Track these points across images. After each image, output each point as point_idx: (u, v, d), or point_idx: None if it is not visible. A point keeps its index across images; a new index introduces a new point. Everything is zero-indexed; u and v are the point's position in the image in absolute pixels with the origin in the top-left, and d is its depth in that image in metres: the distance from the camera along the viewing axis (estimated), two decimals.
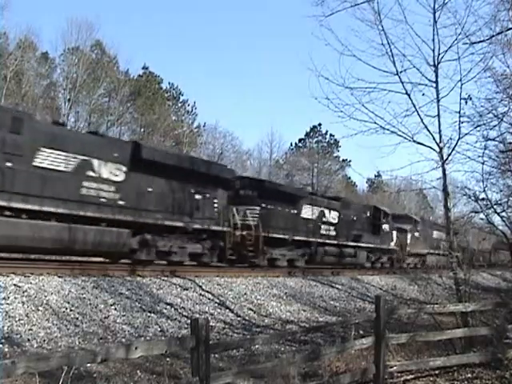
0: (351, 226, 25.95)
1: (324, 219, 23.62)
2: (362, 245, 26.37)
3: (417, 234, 34.27)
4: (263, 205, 19.68)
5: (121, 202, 14.08)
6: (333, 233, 24.15)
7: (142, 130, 49.76)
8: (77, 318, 10.11)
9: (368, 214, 28.17)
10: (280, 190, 22.26)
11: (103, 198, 13.62)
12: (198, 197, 16.82)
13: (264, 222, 19.28)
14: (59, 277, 11.76)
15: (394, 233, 30.37)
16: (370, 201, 51.28)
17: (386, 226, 29.25)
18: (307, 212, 22.35)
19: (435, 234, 37.06)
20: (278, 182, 38.95)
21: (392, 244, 29.74)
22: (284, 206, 20.85)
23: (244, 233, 18.70)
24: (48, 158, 12.41)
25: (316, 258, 22.47)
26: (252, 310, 13.83)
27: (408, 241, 32.17)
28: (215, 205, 17.57)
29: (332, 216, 24.25)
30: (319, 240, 22.72)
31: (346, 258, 24.78)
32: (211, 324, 10.40)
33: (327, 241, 23.39)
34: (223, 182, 17.98)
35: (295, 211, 21.53)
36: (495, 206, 12.29)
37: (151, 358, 7.91)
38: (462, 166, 11.96)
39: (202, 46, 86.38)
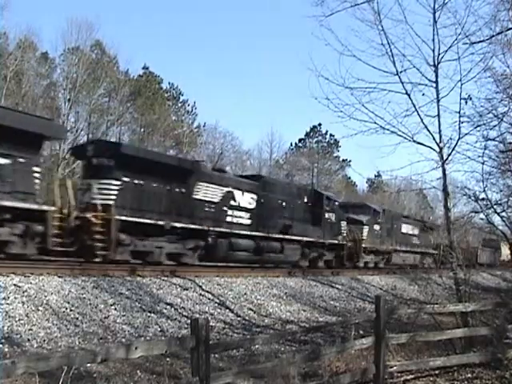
0: (277, 213, 20.45)
1: (232, 203, 18.37)
2: (294, 238, 20.77)
3: (377, 226, 28.69)
4: (125, 178, 14.83)
5: None
6: (247, 221, 18.92)
7: (142, 130, 49.76)
8: (77, 318, 10.11)
9: (305, 200, 22.49)
10: (156, 160, 16.30)
11: None
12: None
13: (124, 202, 14.66)
14: (59, 277, 11.76)
15: (344, 224, 25.01)
16: (370, 201, 51.27)
17: (330, 216, 23.72)
18: (204, 192, 17.19)
19: (405, 227, 32.91)
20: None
21: (340, 238, 24.51)
22: (164, 182, 15.86)
23: (89, 215, 14.01)
24: None
25: (216, 252, 17.39)
26: (252, 310, 13.83)
27: (364, 235, 26.93)
28: (35, 174, 13.16)
29: (246, 199, 18.98)
30: (223, 229, 17.51)
31: (266, 253, 19.44)
32: (211, 324, 10.40)
33: (237, 231, 18.11)
34: (36, 141, 13.26)
35: (183, 190, 16.48)
36: (495, 206, 12.29)
37: (151, 358, 7.91)
38: (462, 166, 11.96)
39: (201, 46, 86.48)
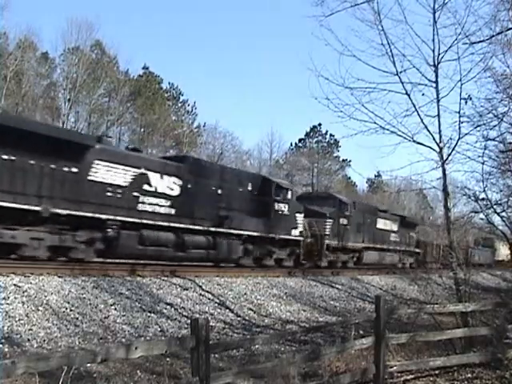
0: (210, 202, 17.04)
1: (147, 188, 15.20)
2: (232, 231, 17.53)
3: (344, 220, 24.83)
4: None
5: None
6: (167, 210, 15.70)
7: (142, 129, 49.83)
8: (77, 318, 10.11)
9: (249, 188, 19.04)
10: (36, 131, 12.71)
11: None
12: None
13: None
14: (59, 277, 11.77)
15: (300, 217, 21.42)
16: (371, 201, 51.24)
17: (282, 207, 20.27)
18: (104, 173, 14.15)
19: (381, 223, 29.02)
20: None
21: (296, 232, 20.97)
22: (47, 159, 12.78)
23: None
24: None
25: (119, 246, 14.38)
26: (252, 310, 13.83)
27: (327, 230, 23.32)
28: None
29: (167, 184, 15.77)
30: (128, 219, 14.43)
31: (193, 249, 16.22)
32: (211, 324, 10.40)
33: (152, 222, 15.10)
34: None
35: (75, 169, 13.43)
36: (495, 206, 12.30)
37: (151, 358, 7.91)
38: (462, 166, 11.99)
39: (201, 46, 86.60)
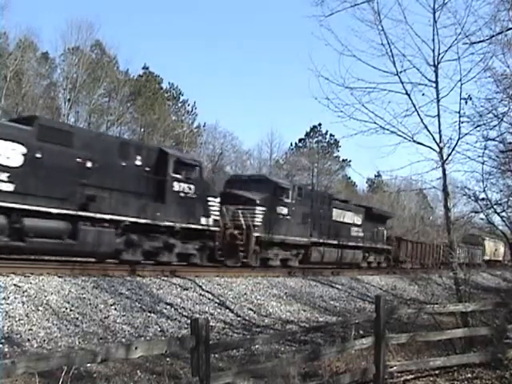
0: (72, 177, 13.28)
1: None
2: (104, 216, 13.72)
3: (283, 209, 20.25)
4: None
5: None
6: (3, 186, 11.85)
7: (142, 129, 49.80)
8: (77, 318, 10.11)
9: (137, 162, 15.07)
10: None
11: None
12: None
13: None
14: (59, 277, 11.77)
15: (215, 202, 17.25)
16: (371, 201, 51.20)
17: (186, 188, 16.16)
18: None
19: (338, 214, 24.48)
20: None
21: (208, 221, 16.79)
22: None
23: None
24: None
25: None
26: (252, 310, 13.83)
27: (257, 220, 18.84)
28: None
29: (2, 152, 11.93)
30: None
31: (37, 237, 12.27)
32: (211, 324, 10.40)
33: None
34: None
35: None
36: (495, 206, 12.32)
37: (151, 358, 7.91)
38: (462, 166, 12.01)
39: (202, 46, 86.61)
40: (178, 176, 16.03)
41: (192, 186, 16.42)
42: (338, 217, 24.59)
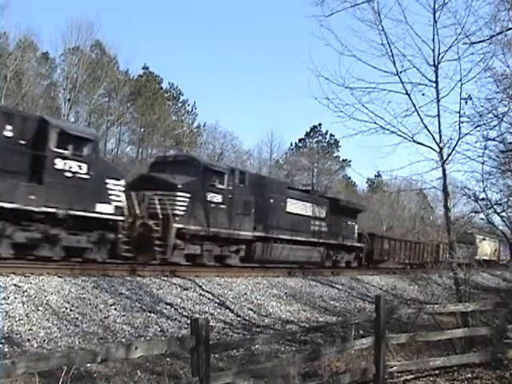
0: None
1: None
2: None
3: (216, 197, 17.32)
4: None
5: None
6: None
7: (142, 129, 49.83)
8: (77, 318, 10.11)
9: (7, 133, 12.21)
10: None
11: None
12: None
13: None
14: (59, 277, 11.77)
15: (117, 185, 14.42)
16: (370, 201, 51.25)
17: (75, 166, 13.25)
18: None
19: (293, 205, 21.25)
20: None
21: (108, 209, 13.97)
22: None
23: None
24: None
25: None
26: (252, 310, 13.83)
27: (179, 208, 15.88)
28: None
29: None
30: None
31: None
32: (211, 324, 10.41)
33: None
34: None
35: None
36: (495, 206, 12.33)
37: (151, 358, 7.91)
38: (462, 166, 12.02)
39: (202, 46, 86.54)
40: (62, 151, 13.02)
41: (83, 165, 13.47)
42: (294, 208, 21.22)
